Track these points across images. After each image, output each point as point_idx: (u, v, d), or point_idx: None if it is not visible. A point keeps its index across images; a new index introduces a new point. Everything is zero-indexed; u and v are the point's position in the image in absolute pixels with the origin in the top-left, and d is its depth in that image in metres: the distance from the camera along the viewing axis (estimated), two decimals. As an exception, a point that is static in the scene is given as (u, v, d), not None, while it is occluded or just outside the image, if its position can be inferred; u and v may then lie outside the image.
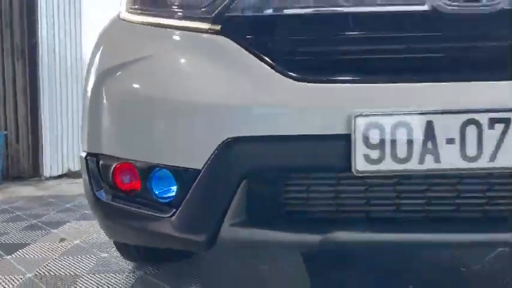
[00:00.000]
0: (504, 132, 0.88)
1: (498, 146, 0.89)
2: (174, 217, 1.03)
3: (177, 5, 1.12)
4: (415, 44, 0.96)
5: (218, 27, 1.03)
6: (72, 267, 1.79)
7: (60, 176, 4.65)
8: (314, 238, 0.96)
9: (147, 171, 1.06)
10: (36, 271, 1.73)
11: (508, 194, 1.00)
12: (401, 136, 0.89)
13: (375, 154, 0.90)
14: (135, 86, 1.09)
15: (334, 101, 0.94)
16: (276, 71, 0.97)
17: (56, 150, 4.64)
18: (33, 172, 4.46)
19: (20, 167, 4.46)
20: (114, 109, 1.12)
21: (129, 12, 1.21)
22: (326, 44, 1.00)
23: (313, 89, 0.95)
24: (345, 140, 0.91)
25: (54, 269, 1.76)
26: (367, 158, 0.90)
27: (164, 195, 1.07)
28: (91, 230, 2.37)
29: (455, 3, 0.93)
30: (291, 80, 0.96)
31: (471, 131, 0.89)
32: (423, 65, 0.97)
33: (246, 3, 1.04)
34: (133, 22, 1.18)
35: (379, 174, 0.91)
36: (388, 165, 0.90)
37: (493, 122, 0.89)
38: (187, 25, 1.09)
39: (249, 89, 0.99)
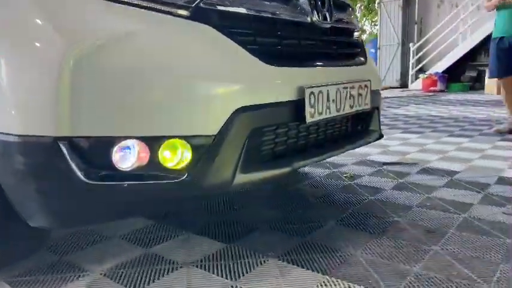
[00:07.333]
0: (350, 91, 1.63)
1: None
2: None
3: None
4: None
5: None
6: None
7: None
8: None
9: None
10: None
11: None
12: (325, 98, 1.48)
13: (313, 110, 1.44)
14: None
15: (295, 78, 1.39)
16: (257, 58, 1.31)
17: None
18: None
19: None
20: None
21: None
22: (287, 45, 1.43)
23: (284, 70, 1.37)
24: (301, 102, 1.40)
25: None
26: (310, 113, 1.43)
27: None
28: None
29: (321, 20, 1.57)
30: (269, 65, 1.33)
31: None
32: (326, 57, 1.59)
33: None
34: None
35: (315, 121, 1.47)
36: (318, 116, 1.46)
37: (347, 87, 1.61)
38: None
39: (240, 69, 1.28)
